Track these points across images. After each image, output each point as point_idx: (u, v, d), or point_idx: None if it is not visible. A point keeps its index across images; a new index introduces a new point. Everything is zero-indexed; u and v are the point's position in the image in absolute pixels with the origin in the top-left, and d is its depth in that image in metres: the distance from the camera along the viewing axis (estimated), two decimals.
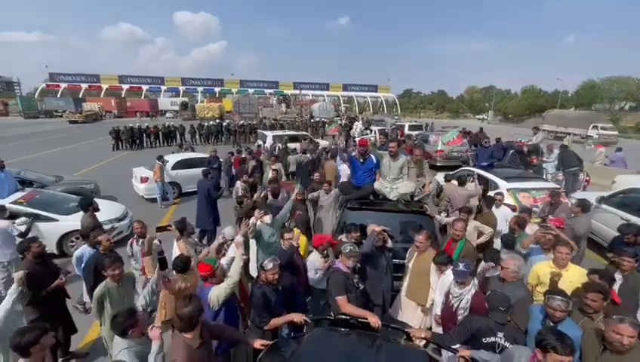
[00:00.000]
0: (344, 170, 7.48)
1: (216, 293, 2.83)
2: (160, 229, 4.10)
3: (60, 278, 3.40)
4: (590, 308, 2.56)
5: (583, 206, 5.06)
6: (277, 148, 11.81)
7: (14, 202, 5.91)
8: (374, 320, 2.78)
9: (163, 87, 65.45)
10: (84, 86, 60.76)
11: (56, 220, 5.97)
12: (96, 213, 6.43)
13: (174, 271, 3.32)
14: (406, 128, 20.87)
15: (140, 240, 4.22)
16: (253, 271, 4.07)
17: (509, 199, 6.17)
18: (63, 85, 59.68)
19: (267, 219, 4.09)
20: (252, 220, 3.80)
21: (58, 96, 54.90)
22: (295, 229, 4.22)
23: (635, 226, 4.07)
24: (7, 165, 6.79)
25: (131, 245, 4.30)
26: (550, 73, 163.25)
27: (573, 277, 3.18)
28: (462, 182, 6.12)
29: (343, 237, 3.87)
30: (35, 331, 2.16)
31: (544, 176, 8.61)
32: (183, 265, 3.30)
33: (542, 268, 3.40)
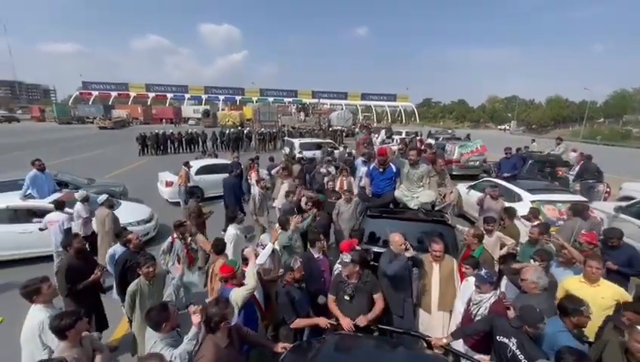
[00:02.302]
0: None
1: (234, 298, 2.92)
2: (178, 226, 4.51)
3: (96, 273, 3.60)
4: (625, 326, 2.47)
5: (574, 210, 4.91)
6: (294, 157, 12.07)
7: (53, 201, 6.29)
8: (345, 322, 3.00)
9: (187, 95, 68.00)
10: (113, 94, 64.21)
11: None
12: (125, 215, 6.79)
13: (214, 253, 3.88)
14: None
15: (189, 238, 4.61)
16: None
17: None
18: (95, 93, 63.30)
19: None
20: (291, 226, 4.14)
21: (90, 103, 58.21)
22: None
23: (619, 230, 4.04)
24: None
25: (172, 243, 4.36)
26: (577, 83, 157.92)
27: (606, 293, 3.04)
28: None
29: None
30: (71, 316, 2.31)
31: (570, 188, 8.35)
32: (222, 246, 3.96)
33: (571, 283, 3.24)
